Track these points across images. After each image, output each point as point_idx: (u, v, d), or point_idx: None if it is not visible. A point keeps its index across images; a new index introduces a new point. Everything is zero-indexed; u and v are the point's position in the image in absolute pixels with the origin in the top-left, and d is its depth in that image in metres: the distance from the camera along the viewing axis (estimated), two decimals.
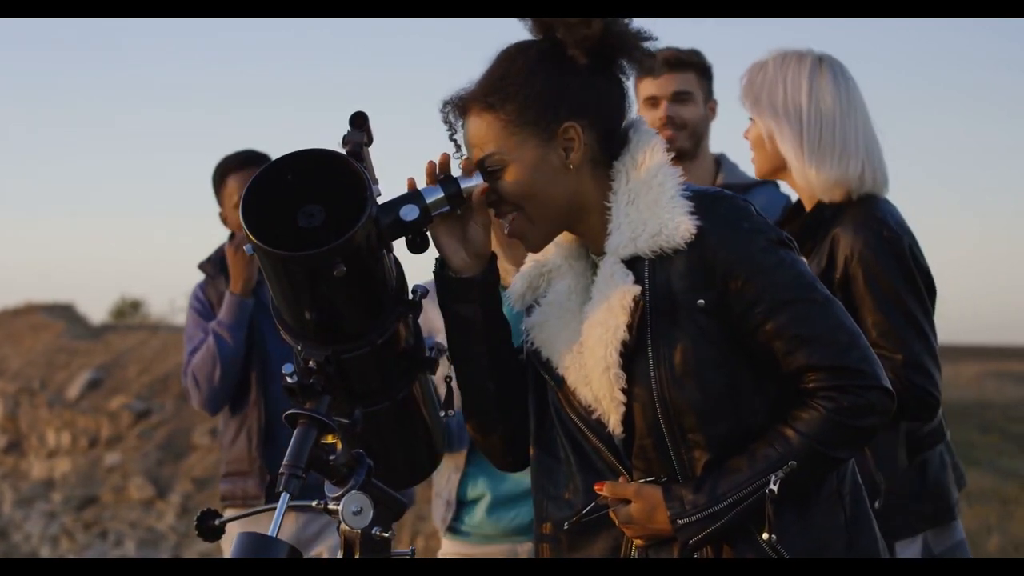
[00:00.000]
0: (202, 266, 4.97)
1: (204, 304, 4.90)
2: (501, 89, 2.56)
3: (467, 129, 2.60)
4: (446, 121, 2.63)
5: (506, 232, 2.62)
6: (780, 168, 3.69)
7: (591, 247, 2.67)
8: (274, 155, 4.67)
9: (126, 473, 16.70)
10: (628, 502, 2.55)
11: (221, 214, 4.99)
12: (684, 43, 4.48)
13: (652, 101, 4.41)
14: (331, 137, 2.48)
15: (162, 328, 20.97)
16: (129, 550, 14.11)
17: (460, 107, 2.61)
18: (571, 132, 2.55)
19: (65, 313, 22.31)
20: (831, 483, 2.58)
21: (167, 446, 16.07)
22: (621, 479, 2.57)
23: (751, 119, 3.71)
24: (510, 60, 2.58)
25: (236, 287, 4.78)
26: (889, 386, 2.52)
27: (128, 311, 25.72)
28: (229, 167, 4.89)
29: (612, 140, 2.60)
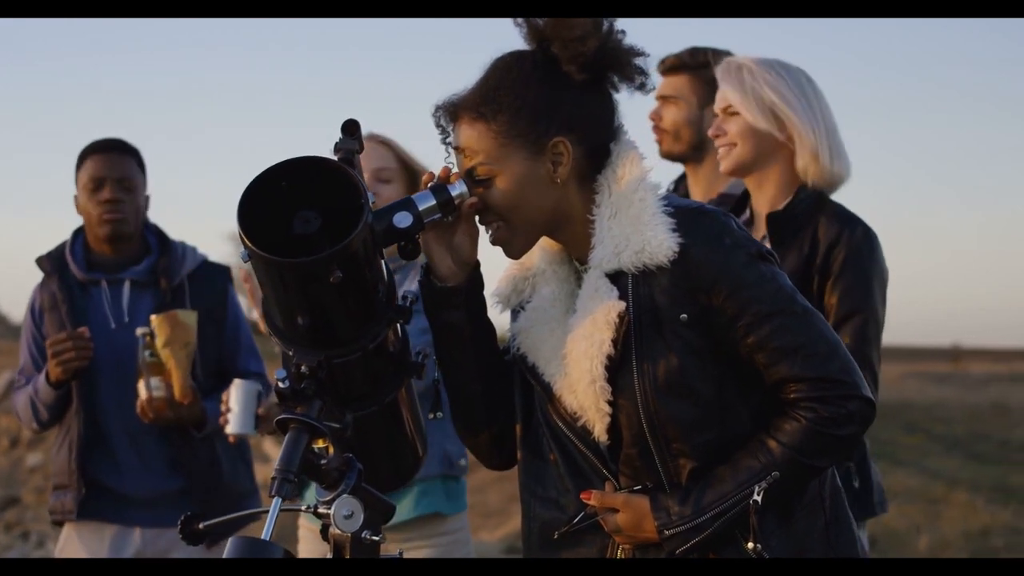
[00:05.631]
0: (39, 261, 4.64)
1: (36, 314, 4.62)
2: (494, 100, 2.57)
3: (458, 135, 2.62)
4: (438, 125, 2.65)
5: (490, 241, 2.66)
6: (758, 162, 3.77)
7: (574, 255, 2.70)
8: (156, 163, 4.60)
9: (48, 474, 16.52)
10: (616, 511, 2.59)
11: (76, 197, 4.66)
12: (680, 43, 4.46)
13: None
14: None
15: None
16: (51, 551, 13.92)
17: (452, 113, 2.63)
18: (560, 147, 2.58)
19: None
20: (814, 488, 2.63)
21: None
22: (608, 486, 2.62)
23: (730, 113, 3.78)
24: (505, 70, 2.60)
25: (54, 374, 4.42)
26: (870, 395, 2.57)
27: None
28: (90, 149, 4.63)
29: (598, 155, 2.63)
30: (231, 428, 4.20)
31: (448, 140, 2.65)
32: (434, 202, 2.56)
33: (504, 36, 2.65)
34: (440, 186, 2.58)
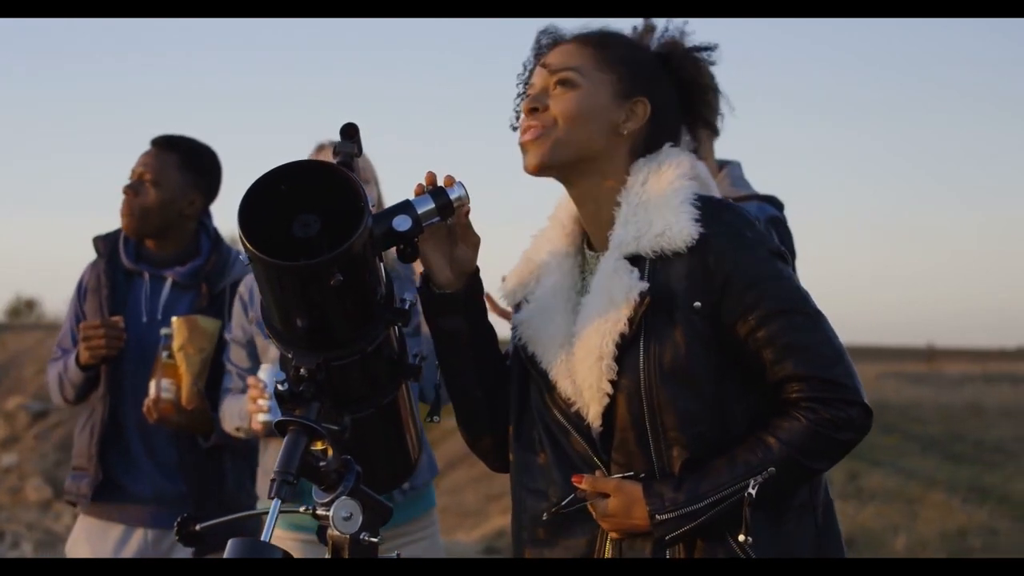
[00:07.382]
0: (95, 241, 4.73)
1: (81, 291, 4.70)
2: (607, 44, 2.71)
3: (554, 54, 2.72)
4: (537, 45, 2.76)
5: (520, 140, 2.70)
6: None
7: (589, 231, 2.75)
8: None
9: (23, 474, 16.50)
10: (607, 496, 2.61)
11: None
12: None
13: None
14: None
15: (58, 327, 20.72)
16: (26, 552, 13.90)
17: (561, 37, 2.75)
18: (640, 107, 2.69)
19: None
20: (803, 494, 2.65)
21: (65, 447, 15.87)
22: (598, 473, 2.63)
23: None
24: (622, 34, 2.77)
25: (83, 358, 4.48)
26: (868, 404, 2.60)
27: (23, 310, 25.41)
28: (152, 140, 4.69)
29: (656, 140, 2.71)
30: (269, 416, 3.92)
31: (539, 54, 2.75)
32: (433, 206, 2.57)
33: (503, 37, 2.70)
34: (439, 190, 2.59)
